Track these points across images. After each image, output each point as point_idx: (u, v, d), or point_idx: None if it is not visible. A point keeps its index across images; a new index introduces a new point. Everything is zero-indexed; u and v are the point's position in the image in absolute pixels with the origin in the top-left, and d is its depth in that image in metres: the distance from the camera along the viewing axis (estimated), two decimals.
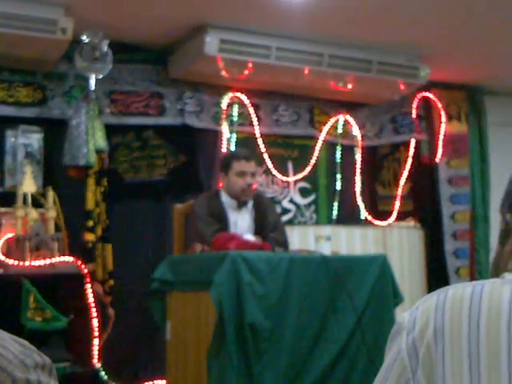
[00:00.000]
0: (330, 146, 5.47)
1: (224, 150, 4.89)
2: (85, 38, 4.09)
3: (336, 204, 5.44)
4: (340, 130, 5.48)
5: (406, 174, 5.55)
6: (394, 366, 0.91)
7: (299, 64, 4.67)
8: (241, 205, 3.74)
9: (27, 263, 3.62)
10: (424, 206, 5.62)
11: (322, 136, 5.38)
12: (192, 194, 4.30)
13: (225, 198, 3.74)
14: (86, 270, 3.68)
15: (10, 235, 3.74)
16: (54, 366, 0.84)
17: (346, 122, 5.50)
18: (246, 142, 4.98)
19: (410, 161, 5.53)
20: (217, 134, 4.94)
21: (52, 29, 3.95)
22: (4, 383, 0.75)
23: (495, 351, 0.83)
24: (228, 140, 4.93)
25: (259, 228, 3.73)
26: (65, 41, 4.05)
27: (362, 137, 5.56)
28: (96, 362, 3.66)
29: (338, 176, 5.47)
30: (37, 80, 4.46)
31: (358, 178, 5.51)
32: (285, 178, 5.27)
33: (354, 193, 5.49)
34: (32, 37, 3.95)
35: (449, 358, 0.86)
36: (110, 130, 4.40)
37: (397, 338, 0.92)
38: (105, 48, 4.13)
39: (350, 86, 4.96)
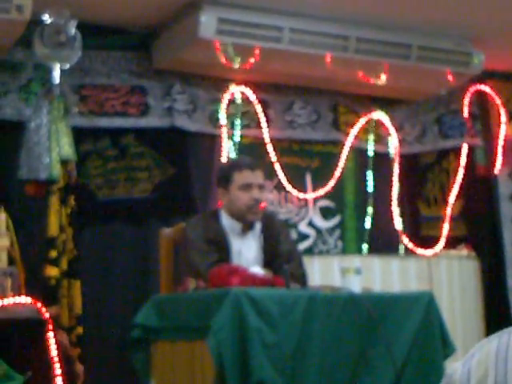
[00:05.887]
0: (359, 154, 5.50)
1: (224, 159, 4.89)
2: (47, 18, 4.11)
3: (368, 228, 5.43)
4: (372, 134, 5.47)
5: (456, 189, 5.54)
6: None
7: (319, 49, 4.69)
8: (246, 228, 3.74)
9: None
10: (480, 230, 5.62)
11: (350, 141, 5.40)
12: (183, 216, 4.31)
13: (226, 220, 3.74)
14: (47, 315, 3.66)
15: None
16: None
17: (379, 123, 5.49)
18: (253, 149, 5.02)
19: (461, 172, 5.53)
20: (214, 139, 4.96)
21: (5, 6, 3.96)
22: None
23: None
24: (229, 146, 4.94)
25: (269, 258, 3.72)
26: (21, 22, 4.06)
27: (400, 142, 5.58)
28: None
29: (370, 192, 5.46)
30: None
31: (395, 195, 5.51)
32: (302, 195, 5.28)
33: (391, 213, 5.49)
34: None
35: None
36: (79, 135, 4.44)
37: None
38: (72, 31, 4.16)
39: (383, 78, 4.98)
